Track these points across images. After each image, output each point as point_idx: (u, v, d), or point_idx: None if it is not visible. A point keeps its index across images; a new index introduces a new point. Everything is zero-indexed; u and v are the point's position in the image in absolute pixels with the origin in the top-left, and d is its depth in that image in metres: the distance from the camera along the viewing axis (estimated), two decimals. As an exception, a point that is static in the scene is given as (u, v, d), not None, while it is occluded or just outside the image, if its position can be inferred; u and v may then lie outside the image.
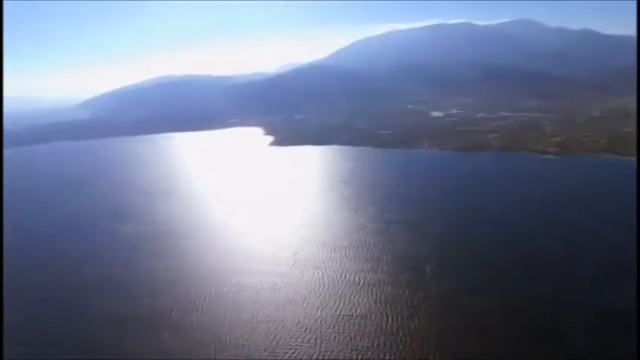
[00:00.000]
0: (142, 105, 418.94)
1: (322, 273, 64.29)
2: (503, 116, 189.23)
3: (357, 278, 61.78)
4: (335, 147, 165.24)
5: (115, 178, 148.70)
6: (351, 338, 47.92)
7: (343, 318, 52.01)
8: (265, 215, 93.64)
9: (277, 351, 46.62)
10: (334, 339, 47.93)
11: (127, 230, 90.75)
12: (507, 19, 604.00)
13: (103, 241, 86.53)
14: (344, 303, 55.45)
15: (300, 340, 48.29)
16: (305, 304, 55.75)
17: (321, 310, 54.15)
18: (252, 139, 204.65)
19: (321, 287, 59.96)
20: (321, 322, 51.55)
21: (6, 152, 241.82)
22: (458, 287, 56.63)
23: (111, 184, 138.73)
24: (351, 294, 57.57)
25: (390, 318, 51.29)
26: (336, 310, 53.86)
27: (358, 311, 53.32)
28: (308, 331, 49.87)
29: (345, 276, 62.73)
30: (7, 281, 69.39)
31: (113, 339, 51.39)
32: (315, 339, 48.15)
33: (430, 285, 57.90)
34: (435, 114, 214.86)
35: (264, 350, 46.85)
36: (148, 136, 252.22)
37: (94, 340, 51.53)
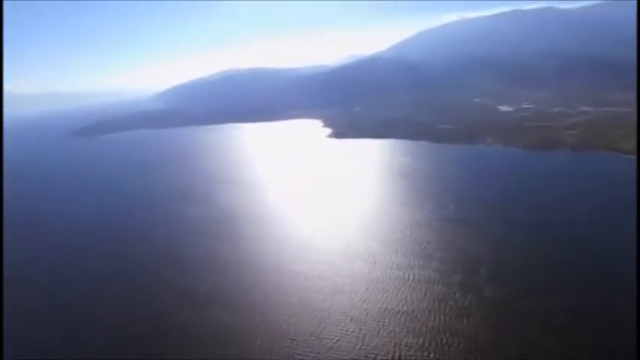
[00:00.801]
0: (210, 97, 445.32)
1: (372, 266, 64.32)
2: (583, 111, 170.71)
3: (406, 274, 60.90)
4: (393, 140, 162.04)
5: (184, 164, 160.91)
6: (395, 333, 47.67)
7: (389, 312, 51.79)
8: (321, 206, 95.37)
9: (321, 337, 47.98)
10: (378, 332, 48.04)
11: (192, 213, 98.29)
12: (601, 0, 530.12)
13: (170, 221, 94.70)
14: (391, 298, 55.11)
15: (344, 329, 49.13)
16: (352, 295, 56.36)
17: (367, 302, 54.40)
18: (311, 130, 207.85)
19: (369, 280, 60.06)
20: (366, 314, 51.87)
21: (99, 138, 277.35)
22: (514, 291, 53.43)
23: (180, 169, 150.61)
24: (399, 289, 56.97)
25: (437, 317, 50.03)
26: (382, 304, 53.75)
27: (405, 307, 52.69)
28: (353, 321, 50.52)
29: (395, 271, 62.13)
30: (83, 253, 79.97)
31: (171, 312, 56.52)
32: (359, 330, 48.65)
33: (484, 287, 55.25)
34: (504, 108, 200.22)
35: (309, 335, 48.47)
36: (215, 126, 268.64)
37: (154, 312, 57.24)
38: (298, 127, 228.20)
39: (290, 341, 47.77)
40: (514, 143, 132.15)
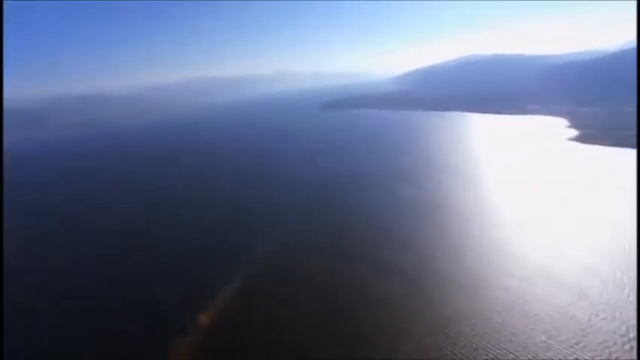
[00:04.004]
0: (443, 83, 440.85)
1: (573, 298, 53.22)
2: None
3: (620, 327, 47.46)
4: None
5: (406, 146, 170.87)
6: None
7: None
8: (535, 215, 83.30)
9: (478, 347, 45.44)
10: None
11: (404, 192, 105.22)
12: None
13: (383, 195, 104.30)
14: (586, 344, 45.02)
15: (507, 350, 44.73)
16: (532, 321, 49.24)
17: (550, 337, 46.36)
18: (551, 130, 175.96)
19: (564, 313, 50.38)
20: (546, 349, 44.68)
21: (336, 113, 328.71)
22: None
23: (401, 152, 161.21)
24: (601, 339, 45.56)
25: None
26: (570, 347, 44.78)
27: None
28: (523, 349, 44.90)
29: (604, 316, 49.46)
30: (288, 214, 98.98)
31: (354, 283, 62.97)
32: (528, 360, 42.92)
33: None
34: None
35: (466, 339, 46.56)
36: (441, 113, 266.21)
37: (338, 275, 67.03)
38: (534, 123, 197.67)
39: (445, 336, 47.38)
40: None
